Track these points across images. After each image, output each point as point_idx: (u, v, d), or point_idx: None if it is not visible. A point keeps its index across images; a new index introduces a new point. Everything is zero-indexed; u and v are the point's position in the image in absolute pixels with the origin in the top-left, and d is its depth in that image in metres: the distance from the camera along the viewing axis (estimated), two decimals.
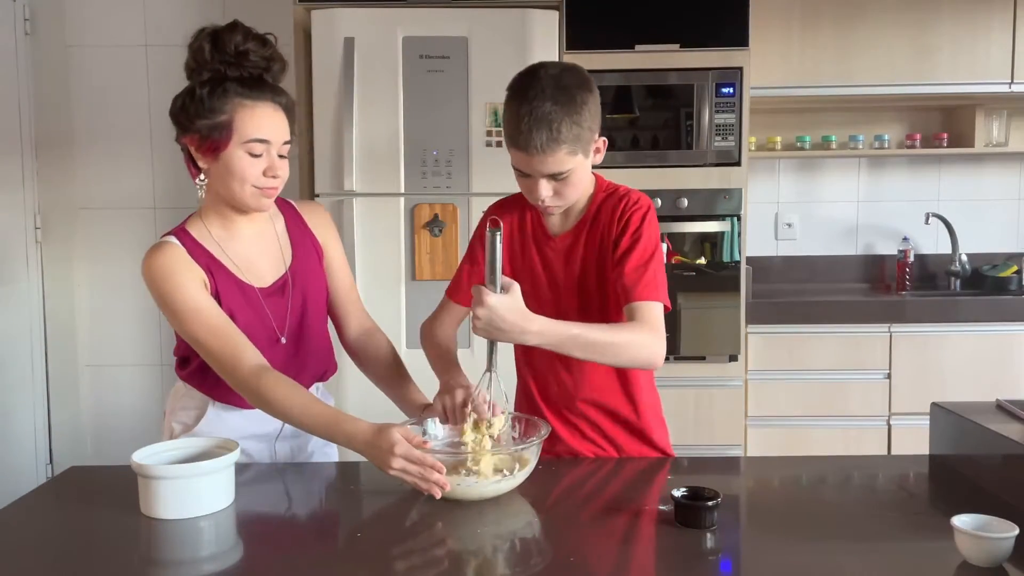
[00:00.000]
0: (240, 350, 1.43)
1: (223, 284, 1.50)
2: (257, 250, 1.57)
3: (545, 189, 1.46)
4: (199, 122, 1.44)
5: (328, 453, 1.68)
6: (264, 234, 1.59)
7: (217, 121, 1.43)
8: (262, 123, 1.45)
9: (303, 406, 1.40)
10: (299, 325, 1.59)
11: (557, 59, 2.80)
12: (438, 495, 1.28)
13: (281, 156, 1.49)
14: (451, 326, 1.71)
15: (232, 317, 1.48)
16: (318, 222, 1.68)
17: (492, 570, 1.12)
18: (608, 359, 1.43)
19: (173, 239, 1.50)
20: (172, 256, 1.46)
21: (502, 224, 1.32)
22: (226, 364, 1.43)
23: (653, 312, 1.44)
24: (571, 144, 1.42)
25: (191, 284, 1.45)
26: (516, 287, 1.32)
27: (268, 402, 1.41)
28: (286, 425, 1.56)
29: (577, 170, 1.46)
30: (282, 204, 1.64)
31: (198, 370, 1.54)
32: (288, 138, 1.50)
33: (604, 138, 1.50)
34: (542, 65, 1.46)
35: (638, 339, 1.41)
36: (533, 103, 1.39)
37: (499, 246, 1.30)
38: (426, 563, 1.16)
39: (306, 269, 1.61)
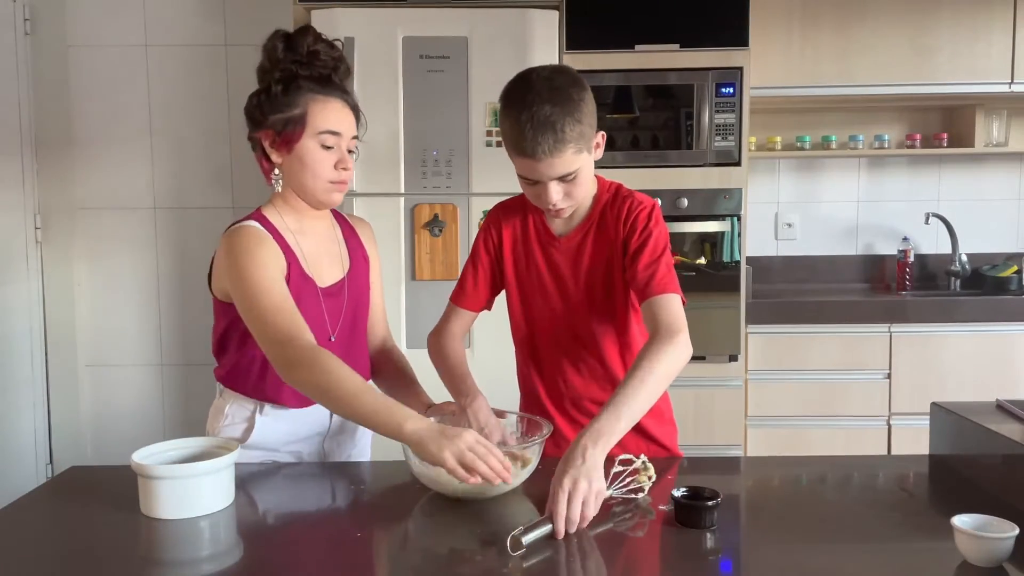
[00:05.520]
0: (303, 329, 1.42)
1: (293, 273, 1.53)
2: (322, 249, 1.60)
3: (556, 192, 1.46)
4: (273, 116, 1.49)
5: (363, 452, 1.72)
6: (329, 235, 1.63)
7: (292, 114, 1.49)
8: (333, 116, 1.51)
9: (362, 384, 1.35)
10: (349, 329, 1.61)
11: (557, 59, 2.81)
12: (509, 480, 1.27)
13: (350, 151, 1.54)
14: (460, 334, 1.71)
15: None
16: (368, 237, 1.73)
17: (492, 569, 1.12)
18: (662, 390, 1.41)
19: (256, 223, 1.52)
20: (259, 235, 1.50)
21: None
22: (286, 337, 1.39)
23: (673, 306, 1.46)
24: (576, 143, 1.42)
25: (272, 263, 1.48)
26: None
27: (327, 371, 1.34)
28: (333, 422, 1.61)
29: (584, 168, 1.47)
30: (335, 215, 1.68)
31: (240, 366, 1.55)
32: (356, 133, 1.55)
33: (602, 132, 1.51)
34: (532, 70, 1.46)
35: (672, 361, 1.40)
36: (532, 108, 1.39)
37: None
38: (426, 561, 1.16)
39: (359, 278, 1.65)
